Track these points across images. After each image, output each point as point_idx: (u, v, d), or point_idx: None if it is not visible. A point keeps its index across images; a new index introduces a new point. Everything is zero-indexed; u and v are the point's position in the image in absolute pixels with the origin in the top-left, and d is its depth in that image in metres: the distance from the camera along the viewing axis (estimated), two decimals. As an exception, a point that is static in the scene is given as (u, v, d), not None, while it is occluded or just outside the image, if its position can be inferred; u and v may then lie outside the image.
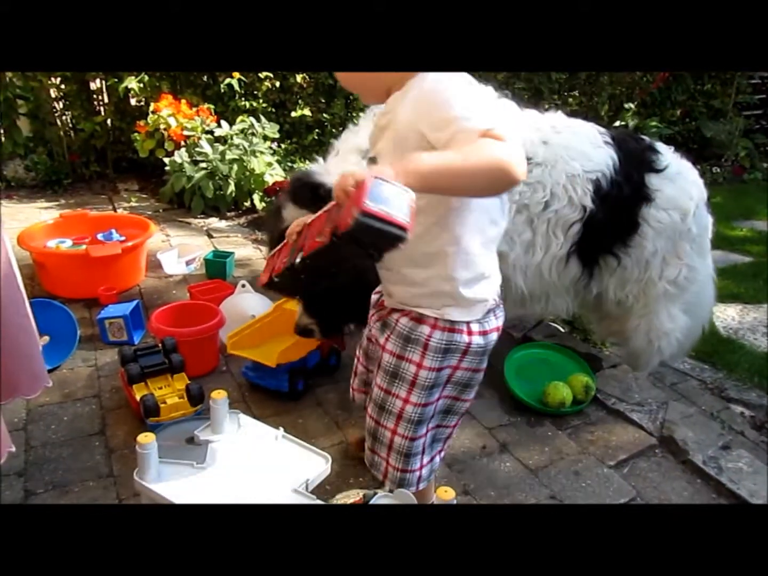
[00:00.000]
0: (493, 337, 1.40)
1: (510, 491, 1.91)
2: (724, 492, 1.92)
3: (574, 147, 2.15)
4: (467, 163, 1.08)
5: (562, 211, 2.13)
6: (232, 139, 4.24)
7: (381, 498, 1.17)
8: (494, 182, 1.12)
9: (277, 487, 1.24)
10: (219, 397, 1.32)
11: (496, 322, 1.40)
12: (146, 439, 1.21)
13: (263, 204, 4.25)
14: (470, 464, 2.02)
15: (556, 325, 2.92)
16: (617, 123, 5.45)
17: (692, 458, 2.03)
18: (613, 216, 2.19)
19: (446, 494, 1.06)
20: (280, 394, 2.28)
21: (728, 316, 3.30)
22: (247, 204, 4.31)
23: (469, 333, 1.35)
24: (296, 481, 1.24)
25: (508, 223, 2.12)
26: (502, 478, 1.97)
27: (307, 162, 4.15)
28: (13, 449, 1.39)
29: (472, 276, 1.31)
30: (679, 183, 2.28)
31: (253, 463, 1.30)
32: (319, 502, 1.19)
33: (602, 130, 2.28)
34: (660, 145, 2.35)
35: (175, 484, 1.21)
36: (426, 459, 1.44)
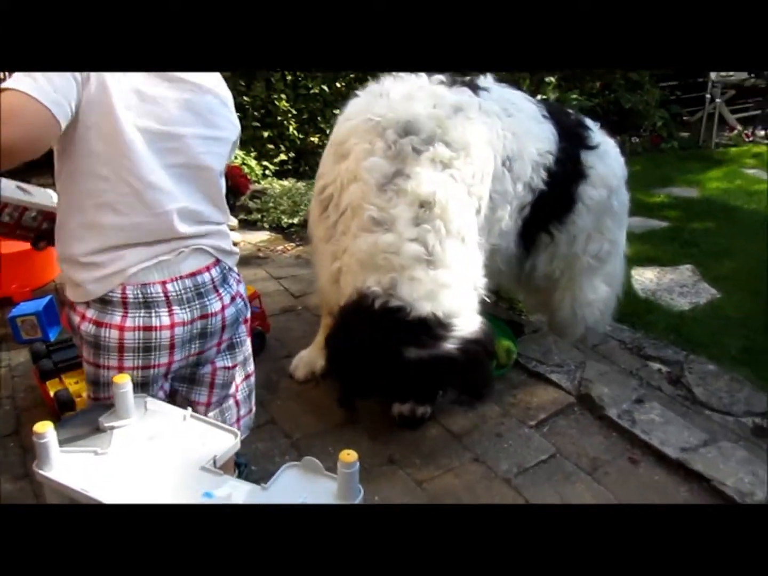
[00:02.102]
0: (113, 334, 1.29)
1: (435, 457, 1.95)
2: (637, 443, 2.00)
3: (528, 128, 2.07)
4: None
5: (522, 194, 2.10)
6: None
7: (288, 467, 1.17)
8: None
9: (185, 466, 1.22)
10: (121, 381, 1.29)
11: (121, 320, 1.28)
12: (43, 427, 1.17)
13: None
14: (395, 434, 2.04)
15: (480, 296, 2.95)
16: (539, 97, 5.55)
17: (607, 413, 2.11)
18: (556, 194, 2.18)
19: (348, 457, 1.05)
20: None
21: (646, 278, 3.43)
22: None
23: (82, 317, 1.30)
24: (204, 459, 1.23)
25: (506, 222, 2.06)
26: (427, 445, 2.00)
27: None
28: None
29: (65, 254, 1.29)
30: (607, 160, 2.31)
31: (161, 445, 1.28)
32: (226, 477, 1.18)
33: (533, 100, 2.23)
34: (589, 121, 2.38)
35: (78, 472, 1.18)
36: None
